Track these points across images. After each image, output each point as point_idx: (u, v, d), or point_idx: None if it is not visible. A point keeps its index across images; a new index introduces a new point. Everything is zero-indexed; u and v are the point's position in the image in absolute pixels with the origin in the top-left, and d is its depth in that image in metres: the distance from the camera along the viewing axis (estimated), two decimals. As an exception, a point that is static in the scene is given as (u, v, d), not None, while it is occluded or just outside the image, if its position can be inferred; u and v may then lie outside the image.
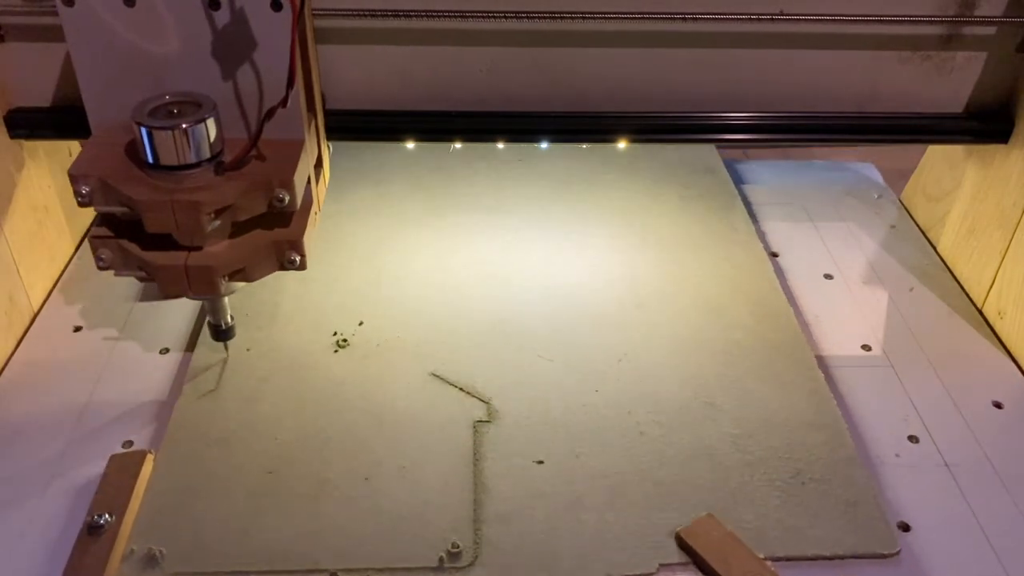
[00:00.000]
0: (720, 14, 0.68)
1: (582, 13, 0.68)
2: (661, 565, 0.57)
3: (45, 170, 0.78)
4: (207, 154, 0.55)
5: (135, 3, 0.56)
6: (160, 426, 0.66)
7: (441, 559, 0.56)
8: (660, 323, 0.76)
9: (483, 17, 0.68)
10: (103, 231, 0.57)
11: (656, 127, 0.73)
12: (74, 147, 0.84)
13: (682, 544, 0.58)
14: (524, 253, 0.84)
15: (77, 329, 0.75)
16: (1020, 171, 0.74)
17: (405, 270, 0.81)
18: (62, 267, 0.81)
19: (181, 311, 0.77)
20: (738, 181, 0.97)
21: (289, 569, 0.55)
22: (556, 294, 0.79)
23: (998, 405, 0.70)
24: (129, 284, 0.80)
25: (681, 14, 0.67)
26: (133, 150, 0.57)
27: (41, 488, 0.61)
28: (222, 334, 0.67)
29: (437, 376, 0.70)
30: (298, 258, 0.59)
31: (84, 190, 0.55)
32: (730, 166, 1.00)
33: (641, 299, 0.79)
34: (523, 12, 0.67)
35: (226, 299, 0.66)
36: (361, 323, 0.75)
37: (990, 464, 0.65)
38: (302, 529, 0.58)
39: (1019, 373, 0.73)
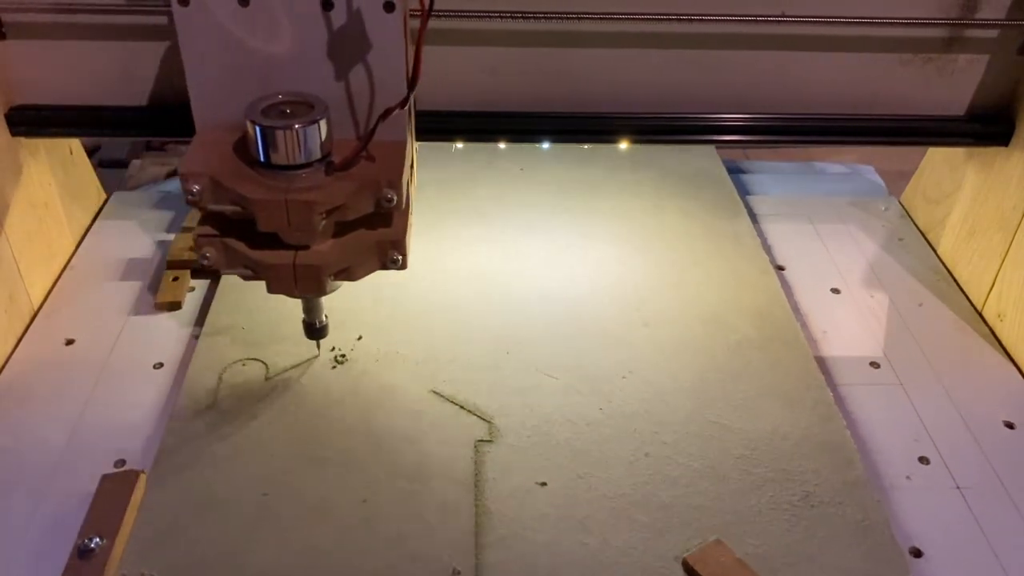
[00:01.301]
0: (722, 16, 0.68)
1: (584, 14, 0.67)
2: (668, 592, 0.55)
3: (45, 168, 0.78)
4: (318, 155, 0.55)
5: (249, 3, 0.56)
6: (153, 444, 0.64)
7: (442, 585, 0.55)
8: (665, 340, 0.74)
9: (484, 17, 0.68)
10: (208, 230, 0.57)
11: (657, 128, 0.73)
12: (75, 145, 0.85)
13: (689, 571, 0.56)
14: (526, 267, 0.82)
15: (69, 342, 0.73)
16: (1021, 174, 0.74)
17: (405, 284, 0.79)
18: (62, 265, 0.80)
19: (175, 325, 0.76)
20: (742, 190, 0.96)
21: (285, 596, 0.54)
22: (559, 309, 0.77)
23: (1010, 425, 0.69)
24: (123, 297, 0.78)
25: (683, 15, 0.67)
26: (241, 149, 0.57)
27: (31, 509, 0.60)
28: (316, 332, 0.67)
29: (437, 393, 0.69)
30: (400, 258, 0.59)
31: (195, 189, 0.54)
32: (733, 172, 0.99)
33: (646, 315, 0.77)
34: (524, 12, 0.67)
35: (322, 298, 0.65)
36: (360, 338, 0.73)
37: (1003, 487, 0.64)
38: (298, 553, 0.56)
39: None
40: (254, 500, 0.60)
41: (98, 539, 0.56)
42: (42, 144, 0.77)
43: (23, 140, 0.73)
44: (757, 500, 0.61)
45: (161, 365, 0.71)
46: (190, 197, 0.55)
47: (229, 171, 0.55)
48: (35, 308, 0.75)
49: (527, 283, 0.80)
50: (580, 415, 0.67)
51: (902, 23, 0.69)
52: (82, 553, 0.55)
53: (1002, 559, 0.58)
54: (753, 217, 0.91)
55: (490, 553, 0.57)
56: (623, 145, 0.97)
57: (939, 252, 0.87)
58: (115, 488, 0.60)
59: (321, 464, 0.62)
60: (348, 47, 0.57)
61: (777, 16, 0.68)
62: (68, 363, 0.71)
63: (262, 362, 0.71)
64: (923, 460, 0.66)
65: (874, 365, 0.74)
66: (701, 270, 0.82)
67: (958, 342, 0.77)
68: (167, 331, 0.75)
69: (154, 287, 0.79)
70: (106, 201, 0.90)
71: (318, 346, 0.70)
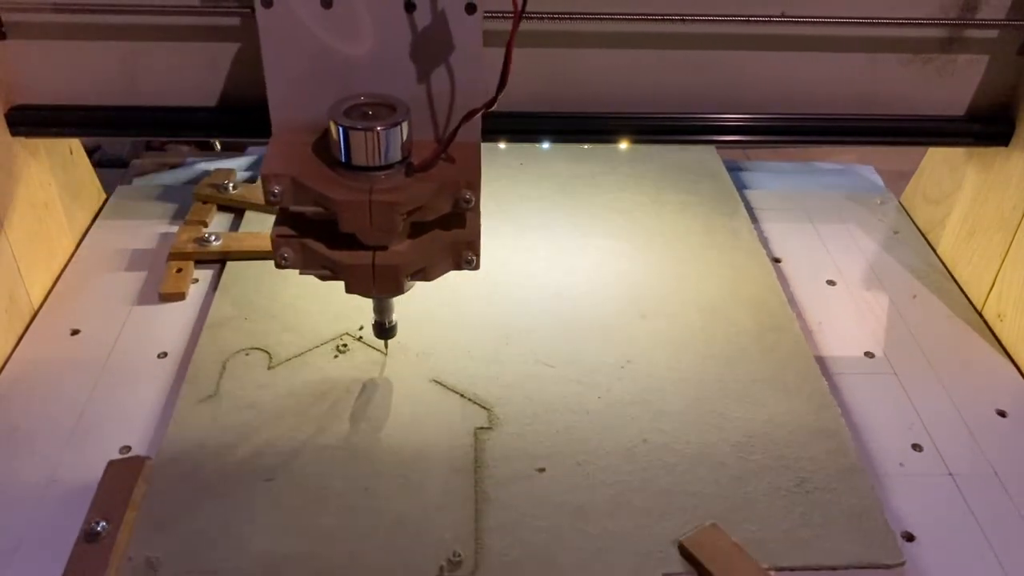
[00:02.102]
0: (722, 16, 0.68)
1: (584, 14, 0.67)
2: (664, 575, 0.56)
3: (46, 168, 0.78)
4: (399, 156, 0.55)
5: (332, 5, 0.56)
6: (158, 431, 0.65)
7: (441, 568, 0.56)
8: (663, 330, 0.75)
9: (485, 18, 0.68)
10: (286, 230, 0.57)
11: (658, 128, 0.73)
12: (75, 145, 0.85)
13: (685, 554, 0.57)
14: (526, 258, 0.83)
15: (75, 332, 0.74)
16: (1020, 174, 0.74)
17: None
18: (62, 265, 0.80)
19: (179, 316, 0.76)
20: (740, 185, 0.97)
21: (288, 578, 0.55)
22: (558, 300, 0.78)
23: (1002, 414, 0.70)
24: (127, 287, 0.79)
25: (683, 15, 0.67)
26: (319, 150, 0.57)
27: (38, 495, 0.60)
28: (386, 332, 0.67)
29: (438, 382, 0.69)
30: (474, 258, 0.59)
31: (276, 189, 0.55)
32: (732, 170, 1.00)
33: (644, 306, 0.78)
34: (524, 13, 0.66)
35: (393, 299, 0.66)
36: (362, 328, 0.74)
37: (994, 473, 0.65)
38: (301, 537, 0.57)
39: (1022, 380, 0.73)
40: (258, 486, 0.61)
41: (104, 523, 0.57)
42: (42, 144, 0.77)
43: (23, 140, 0.73)
44: (753, 486, 0.62)
45: (165, 355, 0.72)
46: (271, 198, 0.55)
47: (310, 172, 0.55)
48: (35, 308, 0.75)
49: (526, 276, 0.81)
50: (579, 404, 0.68)
51: (902, 23, 0.69)
52: (89, 537, 0.56)
53: (993, 543, 0.59)
54: (750, 211, 0.92)
55: (490, 537, 0.58)
56: (623, 145, 0.98)
57: (939, 252, 0.87)
58: (121, 474, 0.61)
59: (323, 451, 0.63)
60: (428, 49, 0.58)
61: (777, 16, 0.68)
62: (74, 353, 0.72)
63: (265, 351, 0.72)
64: (916, 447, 0.67)
65: (868, 355, 0.75)
66: (699, 263, 0.83)
67: (953, 335, 0.78)
68: (171, 322, 0.76)
69: (158, 279, 0.80)
70: (106, 200, 0.90)
71: (386, 346, 0.71)
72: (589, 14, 0.67)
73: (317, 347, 0.72)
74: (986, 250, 0.79)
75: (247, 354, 0.71)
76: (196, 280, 0.80)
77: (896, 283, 0.83)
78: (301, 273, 0.59)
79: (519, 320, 0.76)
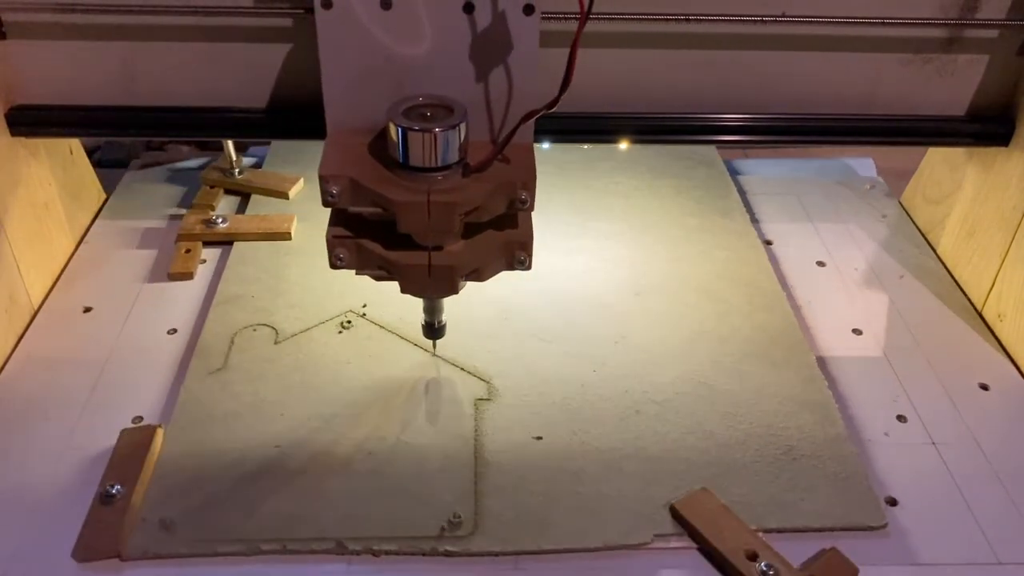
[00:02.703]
0: (722, 16, 0.67)
1: (584, 14, 0.68)
2: (656, 535, 0.58)
3: (46, 168, 0.78)
4: (456, 157, 0.55)
5: (392, 6, 0.56)
6: (169, 403, 0.68)
7: (443, 528, 0.58)
8: (657, 308, 0.78)
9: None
10: (341, 231, 0.58)
11: (657, 128, 0.73)
12: (75, 145, 0.85)
13: (676, 516, 0.60)
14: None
15: (87, 310, 0.77)
16: (1021, 174, 0.74)
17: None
18: (62, 265, 0.81)
19: (188, 295, 0.79)
20: (733, 172, 0.99)
21: (296, 537, 0.57)
22: (555, 280, 0.81)
23: (984, 387, 0.72)
24: (137, 267, 0.82)
25: (683, 15, 0.67)
26: (375, 150, 0.58)
27: (55, 460, 0.63)
28: (435, 332, 0.68)
29: (439, 356, 0.72)
30: (526, 258, 0.60)
31: (334, 190, 0.55)
32: (726, 158, 1.02)
33: (639, 286, 0.81)
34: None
35: (443, 299, 0.66)
36: (365, 305, 0.76)
37: (975, 442, 0.67)
38: (308, 500, 0.60)
39: (1005, 358, 0.75)
40: (266, 453, 0.63)
41: (119, 486, 0.59)
42: (42, 144, 0.77)
43: (23, 140, 0.73)
44: (742, 454, 0.64)
45: (175, 331, 0.75)
46: (328, 199, 0.55)
47: (368, 173, 0.56)
48: (35, 308, 0.76)
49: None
50: (574, 377, 0.71)
51: (902, 23, 0.69)
52: (104, 499, 0.59)
53: (973, 507, 0.62)
54: (743, 195, 0.94)
55: (489, 500, 0.60)
56: (623, 145, 0.99)
57: (939, 252, 0.87)
58: (134, 441, 0.63)
59: (329, 420, 0.66)
60: (485, 50, 0.57)
61: (777, 16, 0.68)
62: (86, 329, 0.75)
63: (272, 327, 0.74)
64: (901, 418, 0.69)
65: (856, 332, 0.77)
66: (692, 245, 0.86)
67: (936, 311, 0.80)
68: (180, 300, 0.78)
69: (167, 259, 0.82)
70: (105, 201, 0.91)
71: (434, 346, 0.71)
72: (591, 15, 0.67)
73: (322, 323, 0.75)
74: (986, 250, 0.79)
75: (254, 330, 0.74)
76: (204, 260, 0.83)
77: (883, 265, 0.86)
78: (357, 273, 0.59)
79: (517, 298, 0.78)
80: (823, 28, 0.69)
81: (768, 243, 0.88)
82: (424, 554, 0.57)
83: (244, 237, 0.85)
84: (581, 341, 0.74)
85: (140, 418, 0.67)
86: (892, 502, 0.62)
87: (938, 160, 0.89)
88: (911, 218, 0.92)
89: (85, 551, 0.56)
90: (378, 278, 0.59)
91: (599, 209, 0.91)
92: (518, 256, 0.60)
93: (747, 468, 0.63)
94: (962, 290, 0.82)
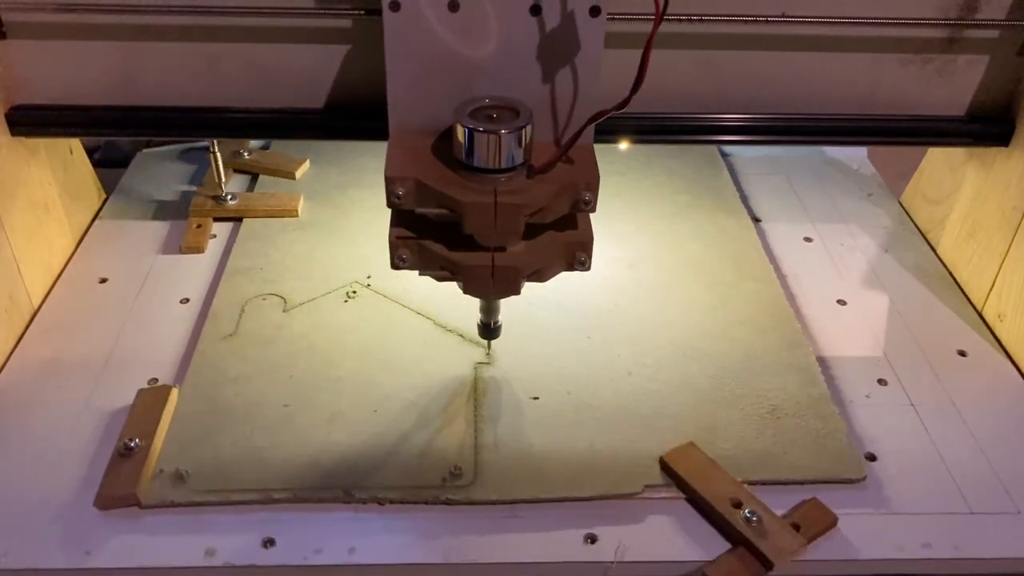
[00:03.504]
0: (722, 16, 0.67)
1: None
2: (646, 486, 0.62)
3: (46, 168, 0.78)
4: (521, 159, 0.55)
5: (459, 8, 0.57)
6: (183, 367, 0.71)
7: (444, 479, 0.61)
8: (650, 279, 0.81)
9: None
10: (404, 232, 0.58)
11: (657, 128, 0.73)
12: (75, 145, 0.86)
13: (665, 468, 0.63)
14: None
15: (103, 281, 0.80)
16: (1021, 174, 0.74)
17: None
18: (62, 264, 0.81)
19: (199, 267, 0.82)
20: (724, 152, 1.02)
21: (305, 486, 0.60)
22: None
23: (962, 353, 0.75)
24: (150, 239, 0.85)
25: (683, 15, 0.67)
26: (438, 151, 0.58)
27: (74, 417, 0.66)
28: (491, 332, 0.68)
29: (440, 325, 0.75)
30: (587, 259, 0.60)
31: (400, 192, 0.55)
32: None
33: (632, 259, 0.84)
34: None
35: (500, 300, 0.66)
36: (369, 277, 0.80)
37: (952, 404, 0.70)
38: (317, 454, 0.63)
39: (982, 323, 0.78)
40: (276, 411, 0.66)
41: (137, 440, 0.63)
42: (42, 144, 0.77)
43: (23, 140, 0.73)
44: (728, 412, 0.68)
45: (187, 300, 0.78)
46: (394, 199, 0.56)
47: (433, 174, 0.56)
48: (35, 307, 0.76)
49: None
50: (569, 342, 0.74)
51: (902, 23, 0.69)
52: (123, 452, 0.62)
53: (947, 461, 0.65)
54: (733, 174, 0.98)
55: (487, 454, 0.63)
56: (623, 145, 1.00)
57: (939, 252, 0.87)
58: (150, 399, 0.66)
59: (336, 381, 0.69)
60: (551, 51, 0.58)
61: (777, 16, 0.67)
62: (102, 299, 0.78)
63: (280, 297, 0.77)
64: (881, 382, 0.72)
65: (840, 303, 0.81)
66: (684, 220, 0.89)
67: (917, 281, 0.83)
68: (192, 272, 0.81)
69: (179, 234, 0.86)
70: (105, 201, 0.91)
71: (489, 346, 0.72)
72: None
73: (328, 293, 0.78)
74: (986, 250, 0.79)
75: (264, 299, 0.77)
76: (215, 236, 0.86)
77: (868, 241, 0.89)
78: (420, 274, 0.59)
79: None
80: (823, 28, 0.69)
81: (757, 220, 0.92)
82: (426, 502, 0.60)
83: (253, 214, 0.88)
84: (576, 310, 0.77)
85: (155, 380, 0.70)
86: (871, 457, 0.66)
87: (938, 160, 0.89)
88: (911, 218, 0.92)
89: (106, 499, 0.60)
90: (440, 279, 0.60)
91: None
92: (579, 257, 0.59)
93: (733, 425, 0.67)
94: (962, 290, 0.82)
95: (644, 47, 0.53)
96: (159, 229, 0.87)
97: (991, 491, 0.63)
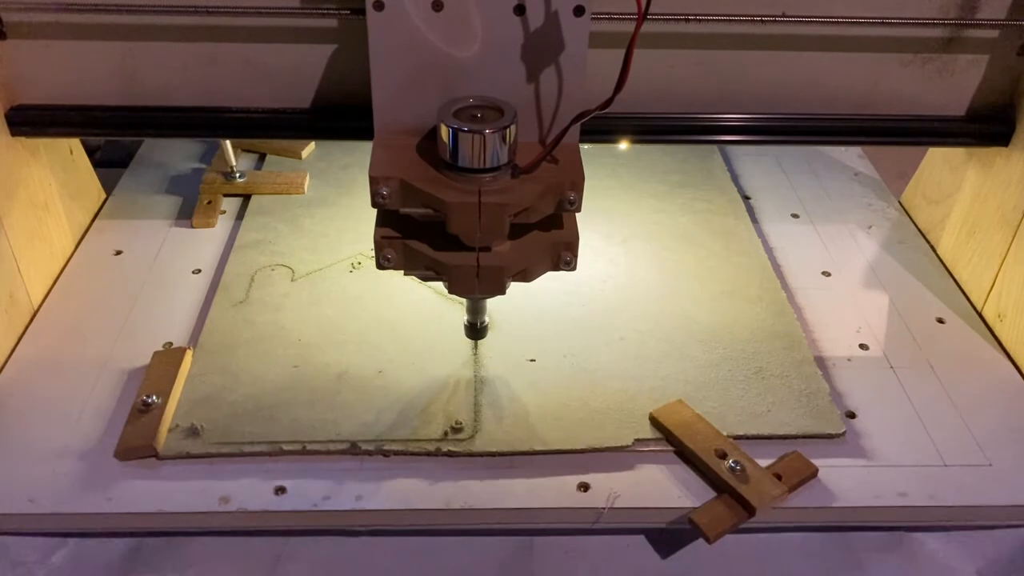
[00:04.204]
0: (722, 15, 0.67)
1: (592, 14, 0.65)
2: (636, 440, 0.65)
3: (46, 168, 0.78)
4: (506, 158, 0.56)
5: (443, 8, 0.57)
6: (195, 332, 0.74)
7: (446, 433, 0.65)
8: (642, 253, 0.85)
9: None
10: (389, 232, 0.58)
11: (656, 128, 0.73)
12: (75, 145, 0.86)
13: (655, 423, 0.66)
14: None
15: (118, 253, 0.83)
16: (1021, 174, 0.75)
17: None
18: (62, 264, 0.81)
19: (210, 241, 0.85)
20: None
21: (314, 439, 0.64)
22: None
23: (941, 320, 0.79)
24: (164, 214, 0.89)
25: (683, 15, 0.67)
26: (423, 151, 0.58)
27: (95, 377, 0.70)
28: (478, 333, 0.69)
29: (441, 294, 0.78)
30: (572, 259, 0.60)
31: (384, 191, 0.56)
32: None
33: (625, 234, 0.87)
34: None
35: (487, 300, 0.67)
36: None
37: (930, 366, 0.74)
38: (325, 410, 0.66)
39: (960, 293, 0.82)
40: (285, 371, 0.70)
41: (154, 397, 0.66)
42: (42, 144, 0.77)
43: (23, 140, 0.73)
44: (716, 374, 0.71)
45: (199, 271, 0.81)
46: (379, 199, 0.56)
47: (418, 174, 0.56)
48: (35, 307, 0.76)
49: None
50: (565, 311, 0.77)
51: (902, 23, 0.69)
52: (141, 408, 0.65)
53: (923, 418, 0.68)
54: (724, 154, 1.01)
55: (487, 410, 0.67)
56: (623, 145, 1.00)
57: (939, 252, 0.87)
58: (166, 360, 0.70)
59: (342, 345, 0.72)
60: (535, 51, 0.58)
61: (777, 16, 0.67)
62: (118, 269, 0.81)
63: (288, 267, 0.81)
64: (863, 347, 0.76)
65: (825, 274, 0.84)
66: (675, 198, 0.93)
67: (900, 254, 0.87)
68: (203, 245, 0.85)
69: (190, 210, 0.89)
70: (105, 201, 0.91)
71: (476, 346, 0.72)
72: (597, 15, 0.65)
73: (334, 264, 0.81)
74: (986, 250, 0.79)
75: (272, 269, 0.81)
76: (224, 211, 0.90)
77: (853, 216, 0.93)
78: (405, 274, 0.60)
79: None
80: (823, 28, 0.69)
81: (747, 198, 0.95)
82: (429, 454, 0.64)
83: (261, 191, 0.91)
84: (571, 281, 0.81)
85: (170, 343, 0.73)
86: (851, 415, 0.69)
87: (938, 160, 0.89)
88: (911, 218, 0.93)
89: (125, 451, 0.63)
90: (425, 279, 0.60)
91: (589, 167, 0.96)
92: (564, 257, 0.60)
93: (720, 385, 0.70)
94: (962, 290, 0.82)
95: (627, 46, 0.54)
96: (171, 205, 0.90)
97: (964, 446, 0.66)
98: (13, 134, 0.71)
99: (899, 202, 0.95)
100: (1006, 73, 0.73)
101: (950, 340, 0.77)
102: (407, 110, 0.60)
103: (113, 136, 0.99)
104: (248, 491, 0.61)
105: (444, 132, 0.55)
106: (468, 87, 0.59)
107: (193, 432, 0.64)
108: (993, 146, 0.77)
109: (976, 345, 0.77)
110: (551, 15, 0.57)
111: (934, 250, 0.87)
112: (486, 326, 0.69)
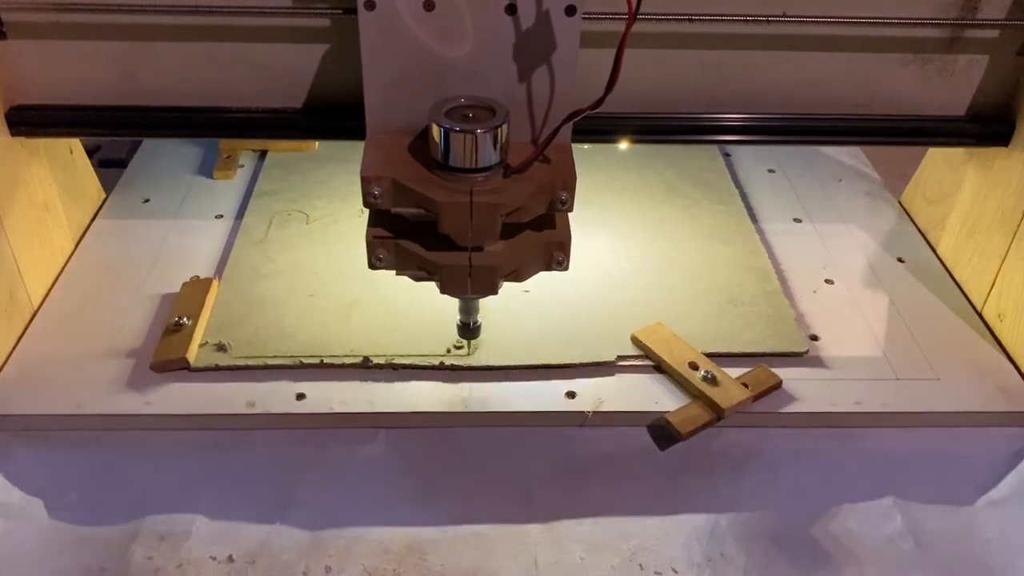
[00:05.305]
0: (722, 15, 0.67)
1: (584, 14, 0.65)
2: (619, 356, 0.72)
3: (46, 168, 0.78)
4: (498, 158, 0.56)
5: (435, 7, 0.57)
6: (220, 268, 0.81)
7: (448, 350, 0.72)
8: (627, 203, 0.92)
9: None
10: (381, 231, 0.59)
11: (656, 128, 0.73)
12: (75, 145, 0.86)
13: (636, 342, 0.73)
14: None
15: (146, 200, 0.91)
16: (1021, 174, 0.75)
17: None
18: (62, 264, 0.82)
19: (230, 190, 0.93)
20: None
21: (330, 354, 0.71)
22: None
23: (901, 260, 0.86)
24: (188, 165, 0.96)
25: (683, 15, 0.67)
26: (415, 151, 0.59)
27: (128, 304, 0.77)
28: (470, 332, 0.69)
29: (443, 235, 0.86)
30: (564, 259, 0.61)
31: (376, 191, 0.56)
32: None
33: (614, 187, 0.94)
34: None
35: (480, 300, 0.68)
36: (381, 197, 0.90)
37: (888, 298, 0.81)
38: (339, 331, 0.74)
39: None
40: (303, 299, 0.77)
41: (185, 318, 0.73)
42: (42, 144, 0.77)
43: (23, 140, 0.73)
44: (693, 303, 0.78)
45: (221, 216, 0.89)
46: (370, 199, 0.57)
47: (410, 174, 0.56)
48: (35, 307, 0.76)
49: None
50: (557, 250, 0.84)
51: (902, 23, 0.69)
52: (173, 327, 0.73)
53: (880, 340, 0.76)
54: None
55: (485, 332, 0.73)
56: (623, 145, 1.03)
57: (939, 252, 0.87)
58: (195, 288, 0.77)
59: (353, 278, 0.80)
60: (527, 51, 0.58)
61: (777, 16, 0.67)
62: (147, 214, 0.89)
63: (303, 212, 0.88)
64: (828, 282, 0.83)
65: (796, 221, 0.91)
66: (661, 154, 1.00)
67: (866, 204, 0.94)
68: (223, 194, 0.92)
69: (211, 164, 0.96)
70: (105, 201, 0.92)
71: (468, 345, 0.72)
72: (589, 14, 0.65)
73: (345, 210, 0.89)
74: (986, 250, 0.80)
75: (289, 214, 0.88)
76: (242, 165, 0.97)
77: (825, 170, 1.00)
78: (398, 274, 0.61)
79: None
80: (823, 28, 0.69)
81: (727, 155, 1.02)
82: (433, 367, 0.71)
83: (276, 148, 0.99)
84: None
85: (197, 276, 0.80)
86: (814, 338, 0.76)
87: (938, 160, 0.89)
88: (911, 218, 0.93)
89: (160, 364, 0.70)
90: (417, 279, 0.61)
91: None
92: (556, 257, 0.60)
93: (696, 311, 0.77)
94: (962, 290, 0.83)
95: (618, 46, 0.54)
96: (193, 158, 0.98)
97: (916, 363, 0.74)
98: (13, 134, 0.71)
99: (899, 202, 0.96)
100: (1006, 73, 0.73)
101: (908, 277, 0.84)
102: (399, 110, 0.60)
103: (113, 136, 0.99)
104: (271, 397, 0.68)
105: (436, 132, 0.55)
106: (460, 87, 0.59)
107: (221, 348, 0.72)
108: (993, 146, 0.76)
109: (976, 345, 0.77)
110: (542, 15, 0.57)
111: (934, 250, 0.88)
112: (479, 326, 0.69)
